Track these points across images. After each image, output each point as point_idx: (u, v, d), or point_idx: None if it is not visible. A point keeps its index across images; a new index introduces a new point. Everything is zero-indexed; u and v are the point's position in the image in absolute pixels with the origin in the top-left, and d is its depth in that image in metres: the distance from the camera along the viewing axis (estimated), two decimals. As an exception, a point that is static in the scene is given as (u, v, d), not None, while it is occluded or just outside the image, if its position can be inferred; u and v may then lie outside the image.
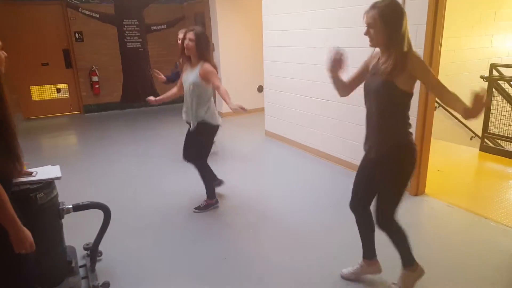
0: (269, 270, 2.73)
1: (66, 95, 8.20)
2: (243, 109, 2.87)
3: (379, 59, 2.07)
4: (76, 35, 7.82)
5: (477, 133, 5.93)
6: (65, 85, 8.11)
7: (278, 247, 3.04)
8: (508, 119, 4.96)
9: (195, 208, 3.64)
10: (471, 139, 6.26)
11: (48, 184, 2.24)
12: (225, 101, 3.09)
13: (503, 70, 5.28)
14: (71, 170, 4.67)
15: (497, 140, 5.29)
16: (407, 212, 3.58)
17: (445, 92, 1.92)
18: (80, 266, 2.71)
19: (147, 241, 3.16)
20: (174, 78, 5.26)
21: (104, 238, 2.65)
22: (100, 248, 2.73)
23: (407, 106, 2.07)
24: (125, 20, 8.27)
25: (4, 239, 1.53)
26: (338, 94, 2.36)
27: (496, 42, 6.18)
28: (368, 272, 2.53)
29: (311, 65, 4.98)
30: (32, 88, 7.83)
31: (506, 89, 5.06)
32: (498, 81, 5.02)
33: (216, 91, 3.29)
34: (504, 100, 5.04)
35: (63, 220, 2.42)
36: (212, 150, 4.21)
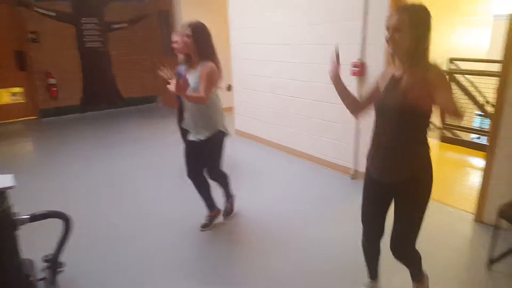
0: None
1: (22, 99, 7.76)
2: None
3: (391, 75, 1.88)
4: (31, 35, 7.39)
5: (437, 125, 6.13)
6: (20, 89, 7.68)
7: (258, 248, 2.98)
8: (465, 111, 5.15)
9: (202, 227, 3.24)
10: (432, 130, 6.47)
11: None
12: (190, 94, 2.71)
13: (461, 64, 5.49)
14: (27, 179, 4.38)
15: (455, 131, 5.52)
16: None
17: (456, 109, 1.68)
18: (40, 279, 2.54)
19: (111, 251, 3.02)
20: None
21: (66, 249, 2.50)
22: (62, 259, 2.58)
23: (427, 124, 1.86)
24: (83, 19, 7.91)
25: None
26: (352, 115, 2.16)
27: (456, 37, 6.44)
28: None
29: (280, 62, 4.97)
30: (-18, 93, 7.36)
31: (465, 81, 5.27)
32: (455, 75, 5.24)
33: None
34: (462, 93, 5.25)
35: (19, 232, 2.26)
36: None
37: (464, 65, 5.49)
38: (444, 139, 5.37)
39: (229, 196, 3.41)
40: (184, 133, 3.27)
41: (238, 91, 6.00)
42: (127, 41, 8.49)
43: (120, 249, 3.03)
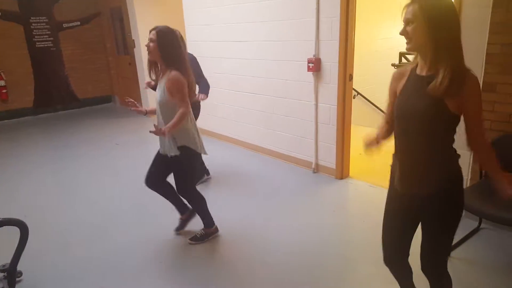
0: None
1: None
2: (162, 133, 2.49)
3: (410, 74, 1.67)
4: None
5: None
6: (-34, 92, 7.27)
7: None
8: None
9: (191, 239, 3.01)
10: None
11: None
12: (173, 122, 2.55)
13: (410, 57, 5.79)
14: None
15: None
16: (334, 195, 3.81)
17: (483, 141, 1.60)
18: (-3, 290, 2.46)
19: (71, 257, 2.95)
20: None
21: (24, 257, 2.43)
22: (20, 267, 2.51)
23: (455, 131, 1.63)
24: (32, 18, 7.57)
25: None
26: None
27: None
28: None
29: (237, 59, 5.00)
30: None
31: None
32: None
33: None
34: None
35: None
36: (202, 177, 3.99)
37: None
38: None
39: (208, 225, 3.02)
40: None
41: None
42: (79, 40, 8.21)
43: (78, 254, 2.97)
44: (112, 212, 3.61)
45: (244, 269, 2.71)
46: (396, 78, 1.75)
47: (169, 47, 2.57)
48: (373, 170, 4.30)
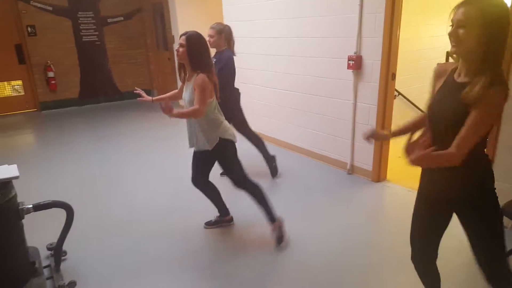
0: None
1: (21, 92, 7.80)
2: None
3: (448, 76, 1.62)
4: (29, 29, 7.42)
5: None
6: (19, 82, 7.71)
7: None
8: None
9: (206, 224, 3.23)
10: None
11: (5, 184, 2.14)
12: (182, 111, 2.66)
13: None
14: (30, 169, 4.48)
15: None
16: (368, 198, 3.73)
17: (456, 147, 1.49)
18: (45, 267, 2.61)
19: (113, 239, 3.09)
20: None
21: (68, 237, 2.57)
22: (65, 247, 2.65)
23: (485, 137, 1.58)
24: (79, 13, 7.93)
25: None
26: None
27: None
28: None
29: (273, 55, 5.00)
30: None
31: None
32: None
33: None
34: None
35: (24, 221, 2.32)
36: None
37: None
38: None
39: (272, 220, 2.97)
40: None
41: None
42: (122, 35, 8.50)
43: (118, 238, 3.10)
44: (149, 202, 3.72)
45: (270, 265, 2.72)
46: (437, 76, 1.70)
47: (197, 53, 2.69)
48: (412, 174, 4.14)
